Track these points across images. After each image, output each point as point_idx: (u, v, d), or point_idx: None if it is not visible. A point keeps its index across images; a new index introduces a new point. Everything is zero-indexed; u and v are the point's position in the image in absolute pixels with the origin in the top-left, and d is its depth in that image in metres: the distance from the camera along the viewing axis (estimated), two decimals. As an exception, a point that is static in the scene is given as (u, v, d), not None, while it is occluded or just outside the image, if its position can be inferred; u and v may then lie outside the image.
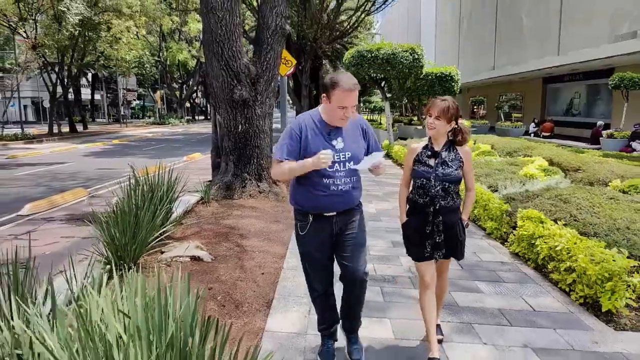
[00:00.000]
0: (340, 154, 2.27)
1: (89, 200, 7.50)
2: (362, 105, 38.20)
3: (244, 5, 19.40)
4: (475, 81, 27.36)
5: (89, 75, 45.57)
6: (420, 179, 2.50)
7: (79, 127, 30.73)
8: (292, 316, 3.08)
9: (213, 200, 6.52)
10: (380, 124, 25.14)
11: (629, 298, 3.37)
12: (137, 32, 28.92)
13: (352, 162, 2.29)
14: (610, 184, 6.09)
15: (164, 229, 4.13)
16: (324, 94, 2.22)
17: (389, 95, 15.99)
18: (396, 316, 3.15)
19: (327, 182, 2.26)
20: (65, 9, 21.38)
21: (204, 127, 35.87)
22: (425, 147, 2.54)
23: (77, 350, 1.33)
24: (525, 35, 22.02)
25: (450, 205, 2.49)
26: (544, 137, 17.69)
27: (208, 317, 1.46)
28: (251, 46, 17.35)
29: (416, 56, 13.80)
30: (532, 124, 20.06)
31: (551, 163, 8.36)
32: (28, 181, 9.76)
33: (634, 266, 3.58)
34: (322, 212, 2.32)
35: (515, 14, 22.93)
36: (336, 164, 2.27)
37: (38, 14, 23.33)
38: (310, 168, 2.18)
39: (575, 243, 3.72)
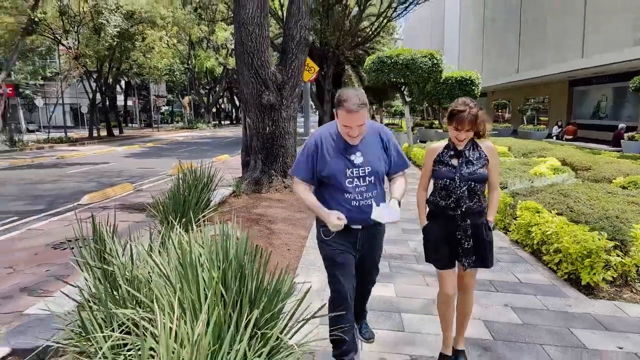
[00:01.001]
0: (360, 168, 2.21)
1: (135, 193, 8.40)
2: (383, 109, 38.65)
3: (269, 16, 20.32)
4: (499, 84, 27.43)
5: (122, 83, 47.79)
6: (443, 180, 2.33)
7: (115, 132, 32.43)
8: (313, 278, 3.75)
9: (243, 194, 7.27)
10: (401, 127, 25.57)
11: (611, 276, 3.86)
12: (168, 42, 30.41)
13: (372, 177, 2.23)
14: (614, 181, 6.48)
15: (205, 213, 4.86)
16: (334, 109, 2.20)
17: (408, 99, 16.47)
18: (399, 282, 3.76)
19: (348, 197, 2.22)
20: (105, 22, 22.90)
21: (230, 131, 37.14)
22: (447, 147, 2.38)
23: (175, 267, 2.03)
24: (549, 38, 22.07)
25: (477, 207, 2.32)
26: (567, 140, 17.75)
27: (255, 245, 2.14)
28: (276, 52, 18.16)
29: (435, 61, 14.26)
30: (555, 127, 20.09)
31: (564, 163, 8.73)
32: (80, 177, 10.83)
33: (615, 246, 4.06)
34: (347, 224, 2.22)
35: (539, 17, 23.00)
36: (355, 180, 2.21)
37: (80, 27, 25.00)
38: (322, 217, 2.20)
39: (562, 227, 4.23)
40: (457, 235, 2.33)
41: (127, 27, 24.13)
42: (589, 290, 3.78)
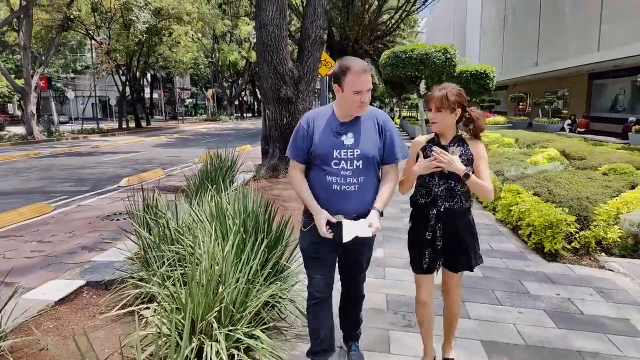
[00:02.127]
0: (349, 150, 2.05)
1: (167, 177, 9.39)
2: (402, 102, 38.97)
3: (289, 10, 21.04)
4: (519, 77, 27.46)
5: (148, 76, 49.50)
6: (422, 176, 2.18)
7: (143, 123, 33.94)
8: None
9: (262, 178, 8.13)
10: (417, 119, 26.01)
11: (574, 246, 4.52)
12: (193, 36, 31.58)
13: (360, 162, 2.05)
14: (599, 168, 7.01)
15: (228, 191, 5.73)
16: (335, 84, 2.05)
17: (423, 93, 17.01)
18: (388, 247, 4.53)
19: (330, 179, 2.05)
20: (134, 18, 24.13)
21: (252, 124, 38.21)
22: (431, 141, 2.22)
23: (209, 215, 2.87)
24: (567, 31, 22.07)
25: (457, 209, 2.14)
26: (579, 132, 17.93)
27: (267, 201, 2.95)
28: (296, 47, 18.89)
29: (449, 56, 14.76)
30: (569, 120, 20.24)
31: (563, 153, 9.22)
32: (116, 164, 11.94)
33: (578, 221, 4.70)
34: (329, 212, 2.07)
35: (558, 10, 22.97)
36: (342, 162, 2.04)
37: (111, 23, 26.35)
38: (312, 212, 2.08)
39: (533, 205, 4.90)
40: (429, 236, 2.17)
41: (155, 23, 25.30)
42: (552, 258, 4.44)
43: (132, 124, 31.33)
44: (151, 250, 3.25)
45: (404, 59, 14.93)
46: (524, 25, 28.14)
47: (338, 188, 2.05)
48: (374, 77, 36.93)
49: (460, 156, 2.12)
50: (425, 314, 2.29)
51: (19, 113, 42.13)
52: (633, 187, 5.59)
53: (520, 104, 31.54)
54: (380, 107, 47.05)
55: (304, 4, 9.27)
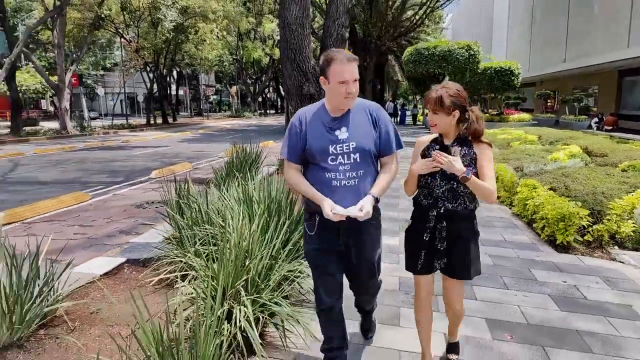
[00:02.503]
0: (344, 144, 2.01)
1: (194, 170, 9.84)
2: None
3: (312, 8, 21.29)
4: (546, 74, 26.93)
5: (174, 73, 50.70)
6: (424, 177, 2.15)
7: (169, 119, 34.90)
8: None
9: (285, 172, 8.46)
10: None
11: (587, 240, 4.64)
12: (218, 34, 32.25)
13: (357, 154, 2.01)
14: (619, 165, 7.02)
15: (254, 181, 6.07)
16: (322, 77, 2.01)
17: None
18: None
19: (328, 176, 2.01)
20: (162, 17, 24.89)
21: (275, 120, 38.71)
22: (434, 141, 2.20)
23: (240, 205, 3.18)
24: (596, 27, 21.53)
25: (460, 210, 2.10)
26: (606, 130, 17.54)
27: (289, 189, 3.24)
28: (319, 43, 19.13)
29: (472, 52, 14.76)
30: (596, 118, 19.81)
31: (585, 150, 9.19)
32: (146, 158, 12.52)
33: (592, 215, 4.81)
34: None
35: (587, 5, 22.41)
36: (339, 157, 2.00)
37: (139, 21, 27.22)
38: (317, 203, 1.99)
39: (547, 199, 5.03)
40: (427, 238, 2.14)
41: (182, 21, 26.00)
42: (564, 249, 4.57)
43: (159, 120, 32.28)
44: (184, 231, 3.60)
45: (427, 56, 15.00)
46: (551, 20, 27.54)
47: (338, 184, 2.00)
48: (397, 73, 36.85)
49: (462, 156, 2.06)
50: (423, 315, 2.27)
51: (51, 109, 43.96)
52: (651, 183, 5.63)
53: (549, 101, 30.91)
54: (404, 104, 46.73)
55: (327, 3, 9.51)
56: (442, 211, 2.10)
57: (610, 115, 19.35)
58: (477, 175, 2.07)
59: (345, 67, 1.92)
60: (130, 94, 52.27)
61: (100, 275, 3.56)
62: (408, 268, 2.28)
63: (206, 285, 2.39)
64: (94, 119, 37.86)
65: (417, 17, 24.53)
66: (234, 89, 51.88)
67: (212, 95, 60.27)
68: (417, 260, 2.19)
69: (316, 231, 2.09)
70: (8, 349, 2.51)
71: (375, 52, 24.86)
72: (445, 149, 2.10)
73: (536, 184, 5.77)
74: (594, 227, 4.73)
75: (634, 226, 4.71)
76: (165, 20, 25.01)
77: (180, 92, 55.73)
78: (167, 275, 3.27)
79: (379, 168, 2.17)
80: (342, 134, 2.02)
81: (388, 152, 2.12)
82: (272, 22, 36.02)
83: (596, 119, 19.69)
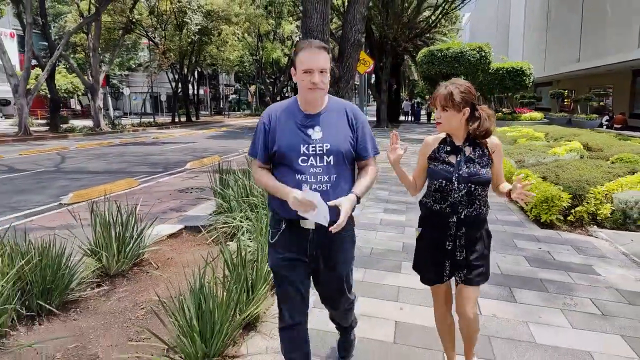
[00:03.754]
0: (317, 145, 1.85)
1: (223, 163, 10.87)
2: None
3: (331, 11, 22.15)
4: (561, 74, 27.17)
5: (195, 73, 52.28)
6: (438, 180, 2.01)
7: (192, 118, 36.29)
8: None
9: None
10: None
11: (570, 220, 5.41)
12: (239, 36, 33.41)
13: (331, 157, 1.85)
14: (610, 158, 7.71)
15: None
16: (292, 68, 1.89)
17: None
18: (410, 214, 5.61)
19: (299, 178, 1.83)
20: (188, 20, 26.14)
21: (294, 119, 39.58)
22: (444, 142, 2.06)
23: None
24: (608, 27, 21.80)
25: (477, 215, 1.99)
26: (615, 129, 17.93)
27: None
28: (335, 44, 19.96)
29: (483, 54, 15.42)
30: (606, 117, 20.16)
31: (586, 146, 9.84)
32: (178, 152, 13.64)
33: (574, 198, 5.57)
34: (297, 219, 1.85)
35: (600, 6, 22.67)
36: (311, 158, 1.84)
37: (166, 25, 28.56)
38: (283, 198, 1.80)
39: (536, 185, 5.82)
40: (449, 247, 2.01)
41: (207, 24, 27.22)
42: (548, 227, 5.36)
43: (182, 119, 33.64)
44: (232, 202, 4.56)
45: (439, 57, 15.73)
46: (566, 21, 27.76)
47: (308, 188, 1.80)
48: (413, 73, 37.31)
49: (478, 157, 1.97)
50: (446, 325, 2.20)
51: (78, 108, 45.91)
52: (632, 173, 6.34)
53: (565, 100, 31.08)
54: (420, 103, 47.17)
55: (345, 10, 10.38)
56: (462, 217, 1.97)
57: (620, 114, 19.69)
58: (489, 177, 1.99)
59: (310, 55, 1.78)
60: (153, 94, 54.17)
61: (167, 236, 4.54)
62: (427, 281, 2.14)
63: (256, 236, 3.32)
64: (118, 117, 39.56)
65: (434, 17, 25.13)
66: (252, 89, 53.16)
67: (232, 94, 61.78)
68: (441, 271, 2.06)
69: (282, 239, 1.90)
70: (116, 277, 3.50)
71: (392, 53, 25.53)
72: (457, 150, 2.00)
73: (529, 173, 6.54)
74: (576, 209, 5.51)
75: (612, 209, 5.47)
76: (191, 24, 26.24)
77: (201, 91, 57.33)
78: (218, 238, 4.23)
79: (356, 174, 2.00)
80: (315, 133, 1.86)
81: (364, 156, 1.96)
82: (292, 23, 37.03)
83: (607, 118, 20.04)
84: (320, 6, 9.33)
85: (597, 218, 5.52)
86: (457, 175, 1.97)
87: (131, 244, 3.59)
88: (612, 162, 7.27)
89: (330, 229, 1.75)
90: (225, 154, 13.16)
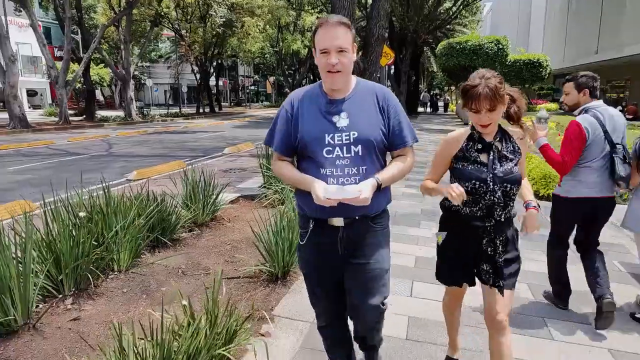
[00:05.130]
0: (343, 133, 1.64)
1: (256, 149, 11.93)
2: (458, 90, 39.56)
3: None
4: (579, 65, 27.37)
5: (214, 64, 53.52)
6: (470, 182, 1.80)
7: (215, 109, 37.56)
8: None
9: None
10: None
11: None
12: (261, 28, 34.37)
13: (359, 147, 1.65)
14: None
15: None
16: (313, 49, 1.68)
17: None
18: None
19: (324, 172, 1.65)
20: (213, 13, 27.23)
21: (313, 110, 40.51)
22: (471, 138, 1.86)
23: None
24: (626, 19, 22.02)
25: (510, 216, 1.88)
26: (628, 119, 18.42)
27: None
28: (360, 40, 20.75)
29: (501, 46, 16.08)
30: (619, 107, 20.57)
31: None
32: (211, 139, 14.80)
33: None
34: (324, 217, 1.71)
35: (619, -3, 22.89)
36: (337, 149, 1.64)
37: (191, 17, 29.70)
38: (309, 190, 1.61)
39: (535, 165, 6.71)
40: (488, 252, 1.85)
41: (231, 17, 28.27)
42: (546, 200, 6.24)
43: (206, 109, 34.94)
44: (272, 179, 5.60)
45: (458, 49, 16.44)
46: (585, 13, 27.86)
47: (335, 182, 1.64)
48: (432, 65, 37.69)
49: (509, 153, 1.82)
50: (454, 315, 2.20)
51: (100, 98, 47.65)
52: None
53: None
54: (439, 94, 47.55)
55: (369, 6, 11.25)
56: (501, 220, 1.82)
57: (632, 105, 20.19)
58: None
59: (327, 33, 1.59)
60: (174, 85, 55.70)
61: (229, 202, 5.62)
62: (448, 282, 2.06)
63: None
64: (141, 108, 41.09)
65: (455, 8, 25.58)
66: (271, 80, 54.21)
67: (251, 86, 62.99)
68: (460, 276, 1.97)
69: (311, 240, 1.77)
70: (201, 226, 4.60)
71: (411, 45, 26.15)
72: (488, 147, 1.82)
73: (531, 155, 7.41)
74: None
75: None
76: (216, 16, 27.32)
77: (220, 82, 58.68)
78: (266, 205, 5.29)
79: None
80: (341, 120, 1.67)
81: (399, 144, 1.75)
82: (312, 15, 37.74)
83: (620, 109, 20.50)
84: (347, 3, 10.26)
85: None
86: (491, 175, 1.78)
87: (211, 202, 4.66)
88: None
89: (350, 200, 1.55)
90: (255, 141, 14.25)
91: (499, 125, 1.87)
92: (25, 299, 2.68)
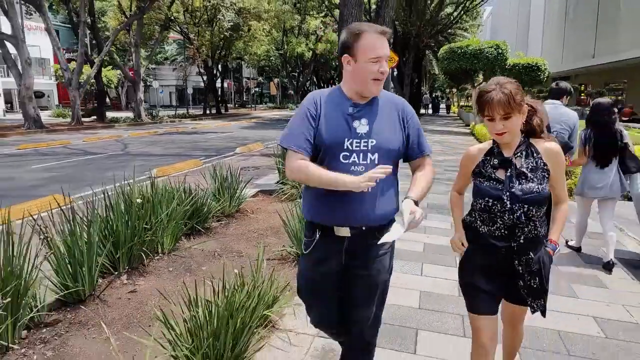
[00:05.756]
0: (362, 140, 1.65)
1: (265, 148, 12.44)
2: (459, 92, 40.03)
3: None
4: (577, 69, 27.87)
5: (219, 66, 54.16)
6: (484, 200, 1.72)
7: (222, 110, 38.11)
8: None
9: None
10: (472, 108, 27.55)
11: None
12: (267, 31, 34.97)
13: (376, 155, 1.64)
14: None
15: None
16: (345, 55, 1.64)
17: (476, 84, 18.84)
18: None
19: None
20: (221, 17, 27.81)
21: (316, 112, 41.05)
22: (490, 153, 1.76)
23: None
24: (621, 24, 22.52)
25: (536, 236, 1.69)
26: (622, 120, 18.90)
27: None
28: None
29: (500, 51, 16.54)
30: (615, 109, 21.08)
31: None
32: (221, 140, 15.31)
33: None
34: (332, 225, 1.69)
35: (614, 3, 23.37)
36: (354, 155, 1.64)
37: (199, 21, 30.29)
38: (346, 188, 1.55)
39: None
40: (519, 270, 1.72)
41: (238, 21, 28.86)
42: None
43: (213, 111, 35.50)
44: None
45: (459, 53, 16.91)
46: (582, 17, 28.38)
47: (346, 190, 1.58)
48: (434, 67, 38.30)
49: (531, 171, 1.67)
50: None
51: (107, 100, 48.17)
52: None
53: (583, 95, 31.76)
54: (441, 97, 48.11)
55: (375, 13, 11.77)
56: (522, 241, 1.70)
57: (628, 107, 20.78)
58: (547, 191, 1.69)
59: (379, 41, 1.61)
60: (179, 86, 56.31)
61: (249, 196, 6.11)
62: (472, 309, 1.83)
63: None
64: (147, 109, 41.63)
65: (455, 13, 26.12)
66: (274, 82, 54.80)
67: (254, 88, 63.61)
68: (485, 299, 1.79)
69: (317, 250, 1.76)
70: (228, 217, 5.08)
71: (414, 48, 26.68)
72: (507, 163, 1.70)
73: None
74: (567, 181, 6.86)
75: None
76: (224, 21, 27.90)
77: (225, 84, 59.26)
78: (284, 199, 5.77)
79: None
80: (361, 126, 1.67)
81: (420, 154, 1.77)
82: (316, 19, 38.31)
83: (616, 110, 21.03)
84: (355, 11, 10.76)
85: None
86: (508, 194, 1.66)
87: (236, 196, 5.15)
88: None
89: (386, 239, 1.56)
90: (264, 141, 14.77)
91: (527, 139, 1.72)
92: (91, 273, 3.17)
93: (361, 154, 1.65)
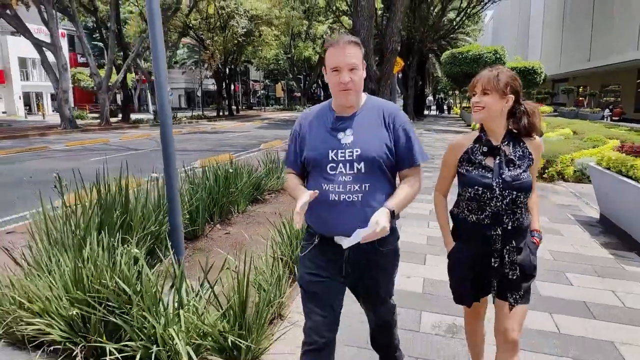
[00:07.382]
0: (347, 150, 1.67)
1: (286, 145, 13.95)
2: (462, 94, 41.49)
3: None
4: (574, 72, 29.28)
5: (227, 69, 55.82)
6: (473, 188, 1.73)
7: (234, 112, 39.75)
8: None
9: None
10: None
11: (545, 177, 8.20)
12: (277, 36, 36.55)
13: (362, 164, 1.66)
14: (583, 138, 10.38)
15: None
16: (323, 67, 1.73)
17: (476, 86, 20.33)
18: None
19: (327, 188, 1.67)
20: (235, 24, 29.42)
21: (324, 113, 42.62)
22: (478, 141, 1.78)
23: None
24: (614, 29, 23.94)
25: (521, 224, 1.73)
26: (613, 120, 20.35)
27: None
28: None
29: (498, 56, 18.02)
30: (607, 110, 22.46)
31: (574, 132, 12.50)
32: (243, 138, 16.85)
33: (548, 162, 8.35)
34: (328, 232, 1.71)
35: (607, 9, 24.79)
36: (340, 165, 1.67)
37: (214, 28, 31.90)
38: (295, 196, 1.69)
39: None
40: (496, 264, 1.74)
41: (251, 27, 30.47)
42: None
43: (225, 112, 37.14)
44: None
45: (460, 58, 18.41)
46: (579, 23, 29.81)
47: (336, 198, 1.65)
48: (437, 70, 39.71)
49: (518, 159, 1.72)
50: (480, 338, 2.02)
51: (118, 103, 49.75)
52: (594, 147, 9.08)
53: (581, 97, 33.17)
54: (444, 99, 49.54)
55: (385, 25, 13.29)
56: (509, 228, 1.71)
57: (619, 107, 22.20)
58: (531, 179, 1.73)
59: (337, 52, 1.62)
60: (188, 89, 58.02)
61: (287, 178, 7.63)
62: (463, 302, 1.89)
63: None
64: (155, 111, 43.07)
65: (458, 19, 27.56)
66: (280, 85, 56.48)
67: (261, 90, 65.32)
68: (483, 291, 1.83)
69: (313, 254, 1.76)
70: (276, 192, 6.59)
71: (418, 53, 28.14)
72: (495, 151, 1.73)
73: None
74: (549, 169, 8.31)
75: (573, 169, 8.24)
76: (238, 27, 29.50)
77: (231, 87, 60.88)
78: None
79: (397, 183, 1.78)
80: (346, 137, 1.69)
81: (409, 163, 1.74)
82: (324, 24, 39.87)
83: (608, 111, 22.41)
84: (366, 22, 12.28)
85: (565, 176, 8.29)
86: (498, 180, 1.69)
87: (282, 175, 6.67)
88: (584, 141, 9.98)
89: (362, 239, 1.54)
90: (282, 139, 16.29)
91: (509, 129, 1.77)
92: (201, 220, 4.68)
93: (347, 164, 1.67)
